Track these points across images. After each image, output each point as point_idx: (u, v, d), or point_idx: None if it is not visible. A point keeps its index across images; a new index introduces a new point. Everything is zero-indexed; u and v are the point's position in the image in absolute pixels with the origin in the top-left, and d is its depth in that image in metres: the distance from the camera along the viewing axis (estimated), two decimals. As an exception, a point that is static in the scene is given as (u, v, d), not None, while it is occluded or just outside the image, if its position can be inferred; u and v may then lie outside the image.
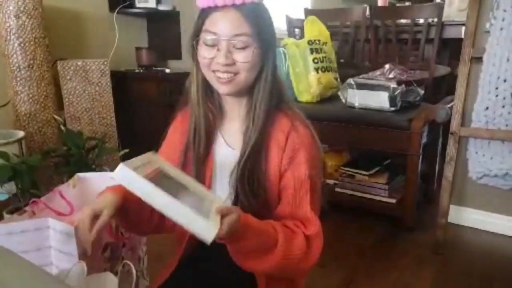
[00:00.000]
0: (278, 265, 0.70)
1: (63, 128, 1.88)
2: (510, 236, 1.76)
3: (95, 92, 2.27)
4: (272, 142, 0.79)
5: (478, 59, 1.60)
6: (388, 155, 2.16)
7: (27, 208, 0.91)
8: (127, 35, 2.83)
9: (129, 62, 2.82)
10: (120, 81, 2.52)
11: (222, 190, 0.83)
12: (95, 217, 0.68)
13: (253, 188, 0.77)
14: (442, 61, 2.56)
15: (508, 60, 1.47)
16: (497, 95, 1.53)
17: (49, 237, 0.85)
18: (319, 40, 2.30)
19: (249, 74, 0.76)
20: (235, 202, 0.79)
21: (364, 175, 2.01)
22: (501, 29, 1.48)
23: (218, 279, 0.79)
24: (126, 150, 2.05)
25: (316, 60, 2.24)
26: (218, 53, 0.74)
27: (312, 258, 0.75)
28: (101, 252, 0.97)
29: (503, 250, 1.70)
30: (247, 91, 0.80)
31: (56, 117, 1.99)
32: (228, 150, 0.84)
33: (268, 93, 0.78)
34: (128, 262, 0.88)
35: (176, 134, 0.88)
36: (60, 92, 2.20)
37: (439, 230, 1.65)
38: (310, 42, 2.26)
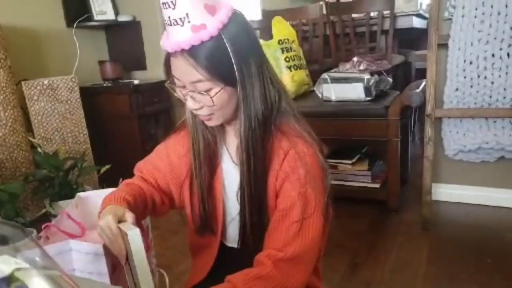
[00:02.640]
0: None
1: (40, 150, 1.79)
2: (488, 205, 1.91)
3: (65, 110, 2.18)
4: (271, 163, 0.74)
5: (442, 46, 1.72)
6: (364, 143, 2.26)
7: (41, 234, 0.87)
8: (88, 49, 2.73)
9: (93, 77, 2.73)
10: (88, 96, 2.43)
11: (233, 207, 0.81)
12: (119, 222, 0.68)
13: (256, 208, 0.75)
14: (393, 50, 2.71)
15: (472, 44, 1.60)
16: (465, 77, 1.66)
17: (72, 260, 0.82)
18: (288, 39, 2.36)
19: (224, 110, 0.71)
20: (242, 220, 0.78)
21: (347, 164, 2.09)
22: (463, 16, 1.61)
23: None
24: (108, 166, 1.99)
25: (287, 59, 2.29)
26: (187, 97, 0.71)
27: (291, 280, 0.69)
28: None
29: (484, 219, 1.84)
30: (237, 114, 0.73)
31: (32, 139, 1.89)
32: (232, 166, 0.80)
33: (255, 111, 0.71)
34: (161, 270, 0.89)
35: (178, 149, 0.85)
36: (27, 114, 2.09)
37: (425, 207, 1.76)
38: (280, 42, 2.31)
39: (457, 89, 1.69)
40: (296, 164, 0.71)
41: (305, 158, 0.72)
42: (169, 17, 0.65)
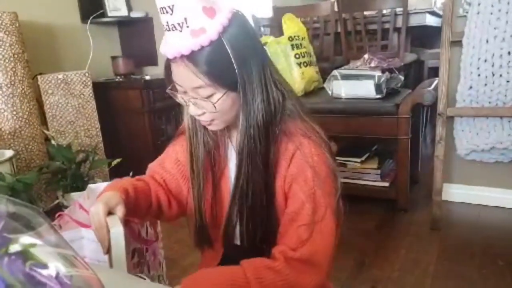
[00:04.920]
0: None
1: (54, 143, 1.83)
2: (500, 207, 1.88)
3: (78, 104, 2.21)
4: (278, 166, 0.72)
5: (456, 43, 1.70)
6: (374, 141, 2.25)
7: (55, 222, 0.89)
8: (101, 45, 2.77)
9: (106, 72, 2.77)
10: (100, 91, 2.47)
11: None
12: (110, 213, 0.67)
13: (255, 210, 0.74)
14: (406, 49, 2.67)
15: (487, 41, 1.58)
16: (479, 75, 1.63)
17: (83, 247, 0.84)
18: (298, 36, 2.35)
19: (227, 116, 0.70)
20: (237, 220, 0.77)
21: (356, 162, 2.08)
22: (478, 13, 1.58)
23: None
24: (119, 160, 2.02)
25: (297, 56, 2.29)
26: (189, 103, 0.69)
27: (302, 280, 0.68)
28: (130, 259, 0.97)
29: (496, 220, 1.81)
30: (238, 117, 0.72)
31: (46, 132, 1.93)
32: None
33: (252, 125, 0.69)
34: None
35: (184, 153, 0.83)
36: (42, 107, 2.13)
37: (435, 207, 1.74)
38: (290, 39, 2.31)
39: (470, 87, 1.67)
40: (303, 165, 0.70)
41: (312, 159, 0.70)
42: (167, 22, 0.63)
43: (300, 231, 0.69)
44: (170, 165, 0.84)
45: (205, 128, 0.76)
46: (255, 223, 0.75)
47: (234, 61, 0.64)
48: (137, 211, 0.76)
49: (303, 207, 0.69)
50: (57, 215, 0.91)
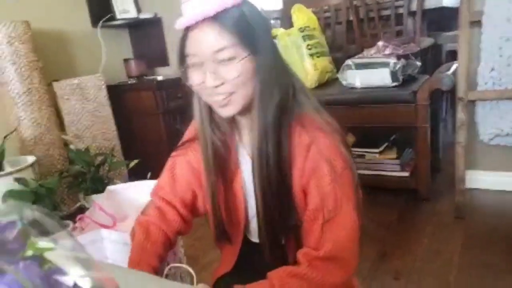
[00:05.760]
0: None
1: (72, 147, 1.86)
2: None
3: (93, 108, 2.25)
4: (294, 161, 0.71)
5: (475, 23, 1.63)
6: (392, 131, 2.20)
7: (76, 224, 0.90)
8: (112, 48, 2.80)
9: (119, 75, 2.79)
10: (115, 94, 2.50)
11: (254, 203, 0.78)
12: None
13: (274, 204, 0.73)
14: (422, 33, 2.60)
15: (508, 20, 1.51)
16: (501, 55, 1.57)
17: (105, 248, 0.84)
18: (309, 27, 2.32)
19: (244, 89, 0.68)
20: (262, 218, 0.76)
21: (374, 153, 2.04)
22: (497, -10, 1.52)
23: None
24: (136, 161, 2.04)
25: (309, 47, 2.26)
26: (205, 76, 0.67)
27: (328, 278, 0.68)
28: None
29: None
30: (253, 104, 0.71)
31: (65, 137, 1.97)
32: (250, 164, 0.77)
33: (271, 102, 0.69)
34: (178, 264, 0.89)
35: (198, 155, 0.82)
36: (59, 113, 2.17)
37: (458, 195, 1.69)
38: (301, 30, 2.28)
39: (492, 69, 1.60)
40: (319, 160, 0.69)
41: (327, 153, 0.69)
42: None
43: (321, 228, 0.69)
44: (184, 177, 0.83)
45: (211, 128, 0.75)
46: (274, 219, 0.74)
47: (255, 27, 0.66)
48: (163, 260, 0.79)
49: (322, 204, 0.69)
50: (78, 217, 0.92)
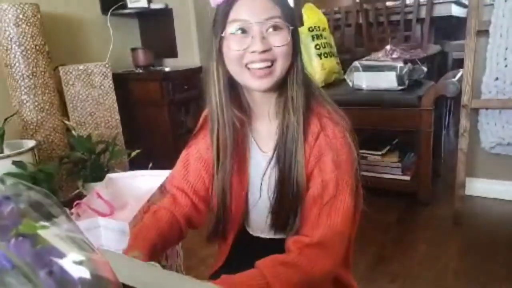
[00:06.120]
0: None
1: (74, 133, 1.86)
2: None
3: (98, 95, 2.24)
4: (304, 143, 0.73)
5: (482, 32, 1.63)
6: (395, 134, 2.20)
7: (72, 210, 0.90)
8: (121, 36, 2.79)
9: (126, 63, 2.79)
10: (120, 82, 2.49)
11: (257, 194, 0.80)
12: None
13: (292, 191, 0.73)
14: (429, 40, 2.59)
15: (515, 30, 1.51)
16: (506, 65, 1.56)
17: (101, 236, 0.84)
18: (318, 27, 2.31)
19: (285, 61, 0.71)
20: (276, 207, 0.76)
21: (376, 155, 2.04)
22: (506, 0, 1.51)
23: None
24: (138, 151, 2.04)
25: (318, 47, 2.25)
26: (253, 40, 0.68)
27: (316, 266, 0.68)
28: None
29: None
30: (278, 86, 0.73)
31: (67, 122, 1.97)
32: (260, 155, 0.79)
33: (302, 83, 0.72)
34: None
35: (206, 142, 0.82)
36: (63, 98, 2.17)
37: (458, 201, 1.69)
38: (310, 29, 2.27)
39: (497, 79, 1.60)
40: (325, 148, 0.71)
41: (334, 141, 0.71)
42: None
43: (318, 213, 0.70)
44: (191, 161, 0.83)
45: (231, 105, 0.75)
46: (286, 207, 0.74)
47: (293, 6, 0.73)
48: (169, 245, 0.80)
49: (323, 190, 0.70)
50: (74, 203, 0.92)
